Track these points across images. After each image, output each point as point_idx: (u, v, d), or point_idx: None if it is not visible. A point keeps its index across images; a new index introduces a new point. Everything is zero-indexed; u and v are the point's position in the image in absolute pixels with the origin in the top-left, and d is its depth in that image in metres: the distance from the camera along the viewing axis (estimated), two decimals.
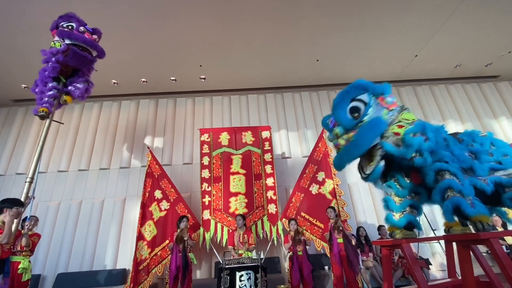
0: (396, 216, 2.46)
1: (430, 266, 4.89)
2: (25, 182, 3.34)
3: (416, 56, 6.22)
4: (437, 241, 4.63)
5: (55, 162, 6.13)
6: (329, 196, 4.97)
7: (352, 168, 6.63)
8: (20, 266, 3.05)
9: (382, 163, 2.10)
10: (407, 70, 6.75)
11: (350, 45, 5.69)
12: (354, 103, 2.19)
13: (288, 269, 4.38)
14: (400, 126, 2.08)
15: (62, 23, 3.63)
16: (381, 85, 2.27)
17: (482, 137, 2.41)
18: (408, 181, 2.39)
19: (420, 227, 2.55)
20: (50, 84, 3.52)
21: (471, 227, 2.16)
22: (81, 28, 3.58)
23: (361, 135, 2.07)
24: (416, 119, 2.16)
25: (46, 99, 3.51)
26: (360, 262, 4.75)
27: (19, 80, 5.83)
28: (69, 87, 3.69)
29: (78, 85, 3.71)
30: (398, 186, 2.42)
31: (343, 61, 6.18)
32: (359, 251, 4.88)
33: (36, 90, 3.54)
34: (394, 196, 2.46)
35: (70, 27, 3.57)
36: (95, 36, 3.68)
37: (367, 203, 5.89)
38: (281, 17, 4.87)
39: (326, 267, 4.89)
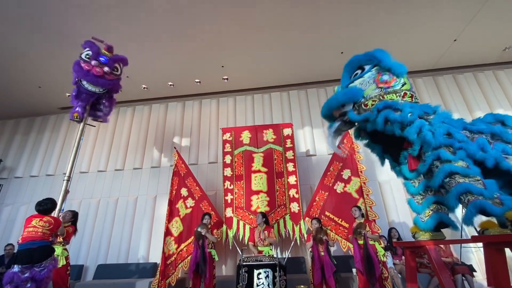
0: (423, 218, 2.25)
1: (474, 273, 4.37)
2: (63, 180, 3.75)
3: (455, 40, 5.62)
4: (466, 243, 4.15)
5: (95, 163, 6.72)
6: (355, 195, 4.72)
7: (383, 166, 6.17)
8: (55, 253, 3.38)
9: (339, 124, 2.51)
10: (446, 57, 6.13)
11: (377, 35, 5.35)
12: (357, 70, 2.54)
13: (310, 269, 4.25)
14: (374, 102, 2.28)
15: (84, 51, 4.02)
16: (390, 62, 2.39)
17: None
18: (410, 171, 2.20)
19: (455, 225, 2.27)
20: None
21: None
22: (93, 62, 3.85)
23: (335, 96, 2.45)
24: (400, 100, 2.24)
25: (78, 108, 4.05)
26: (392, 265, 4.43)
27: (64, 90, 6.48)
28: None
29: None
30: (412, 183, 2.22)
31: None
32: (390, 254, 4.56)
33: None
34: (414, 196, 2.25)
35: (87, 56, 3.91)
36: (106, 69, 3.92)
37: (400, 202, 5.47)
38: (301, 9, 4.74)
39: (354, 270, 4.64)
